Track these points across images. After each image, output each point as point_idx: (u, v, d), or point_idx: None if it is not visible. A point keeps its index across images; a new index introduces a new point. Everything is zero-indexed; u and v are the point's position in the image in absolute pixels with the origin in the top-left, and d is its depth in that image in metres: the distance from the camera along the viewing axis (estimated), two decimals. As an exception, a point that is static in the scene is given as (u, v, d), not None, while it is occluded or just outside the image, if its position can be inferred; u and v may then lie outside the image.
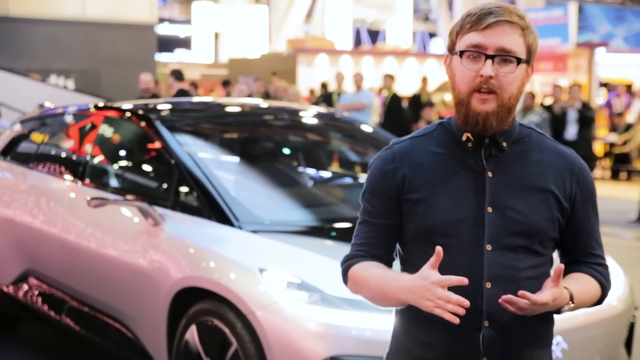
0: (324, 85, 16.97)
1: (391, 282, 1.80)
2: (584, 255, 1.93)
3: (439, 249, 1.72)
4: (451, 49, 1.85)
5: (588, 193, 1.91)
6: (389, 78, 13.37)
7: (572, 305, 1.81)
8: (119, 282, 4.14)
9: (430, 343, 1.87)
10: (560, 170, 1.87)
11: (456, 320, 1.70)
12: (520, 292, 1.73)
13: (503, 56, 1.77)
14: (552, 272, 1.88)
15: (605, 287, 1.93)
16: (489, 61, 1.77)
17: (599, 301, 1.95)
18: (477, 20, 1.78)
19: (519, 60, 1.79)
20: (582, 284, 1.87)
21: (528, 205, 1.82)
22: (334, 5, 25.43)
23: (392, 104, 12.95)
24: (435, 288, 1.70)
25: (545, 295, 1.74)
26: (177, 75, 10.42)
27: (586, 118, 11.20)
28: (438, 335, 1.85)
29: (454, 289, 1.78)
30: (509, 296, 1.73)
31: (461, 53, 1.80)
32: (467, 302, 1.70)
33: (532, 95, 12.31)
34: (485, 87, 1.77)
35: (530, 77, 1.86)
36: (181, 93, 10.12)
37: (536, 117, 11.67)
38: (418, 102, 14.54)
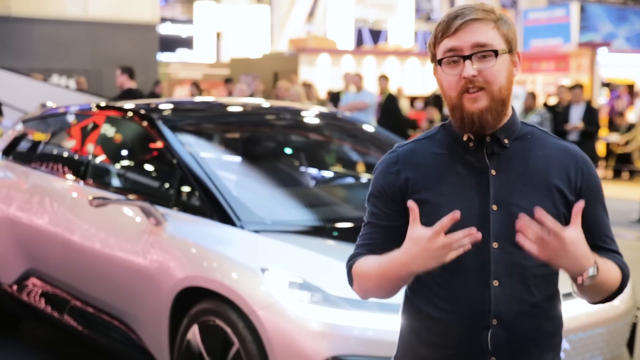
0: (330, 93, 16.97)
1: (391, 262, 1.78)
2: (595, 249, 1.86)
3: (411, 204, 1.72)
4: (433, 60, 1.88)
5: (594, 186, 1.89)
6: (384, 79, 13.37)
7: (596, 271, 1.73)
8: (121, 281, 4.14)
9: (437, 343, 1.87)
10: (565, 165, 1.87)
11: (478, 237, 1.68)
12: (538, 211, 1.66)
13: (479, 52, 1.79)
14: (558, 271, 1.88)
15: (625, 272, 1.87)
16: (468, 61, 1.78)
17: (620, 288, 1.87)
18: (446, 27, 1.81)
19: (496, 52, 1.80)
20: (603, 260, 1.81)
21: (533, 201, 1.81)
22: (336, 5, 25.41)
23: (388, 105, 12.94)
24: (435, 241, 1.68)
25: (567, 229, 1.67)
26: (130, 72, 9.99)
27: (589, 119, 11.16)
28: (445, 335, 1.85)
29: (460, 288, 1.79)
30: (524, 221, 1.66)
31: (439, 61, 1.83)
32: (474, 230, 1.67)
33: (533, 95, 12.29)
34: (473, 86, 1.79)
35: (518, 66, 1.87)
36: (128, 93, 9.54)
37: (537, 117, 11.65)
38: (439, 100, 14.49)
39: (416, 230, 1.72)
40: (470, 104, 1.79)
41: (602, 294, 1.86)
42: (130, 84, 9.93)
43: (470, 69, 1.78)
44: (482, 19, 1.80)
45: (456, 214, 1.68)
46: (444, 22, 1.82)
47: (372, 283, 1.87)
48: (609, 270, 1.82)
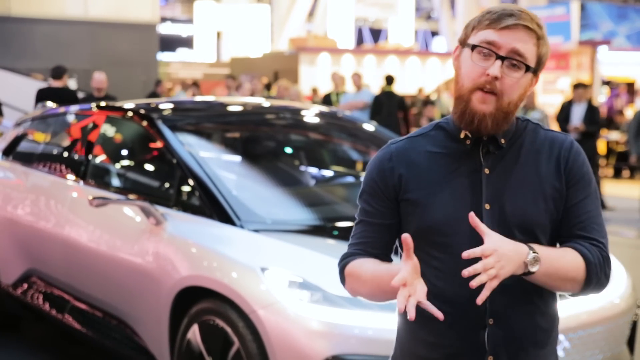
0: (314, 91, 16.94)
1: (385, 275, 1.78)
2: (571, 236, 1.83)
3: (405, 237, 1.69)
4: (463, 41, 1.84)
5: (578, 173, 1.84)
6: (357, 76, 13.26)
7: (535, 254, 1.70)
8: (121, 281, 4.14)
9: (434, 343, 1.87)
10: (554, 156, 1.85)
11: (440, 316, 1.68)
12: (464, 253, 1.65)
13: (514, 59, 1.77)
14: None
15: (589, 259, 1.78)
16: (499, 62, 1.76)
17: (588, 276, 1.79)
18: (497, 19, 1.78)
19: (527, 68, 1.78)
20: (549, 248, 1.78)
21: (526, 199, 1.80)
22: (336, 4, 25.42)
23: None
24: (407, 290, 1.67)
25: (485, 241, 1.66)
26: (55, 73, 9.96)
27: (591, 118, 11.14)
28: (442, 335, 1.85)
29: (456, 287, 1.78)
30: (466, 271, 1.64)
31: (473, 47, 1.79)
32: (440, 315, 1.68)
33: (532, 94, 12.24)
34: (489, 87, 1.77)
35: (532, 88, 1.85)
36: (44, 93, 9.45)
37: (538, 113, 11.64)
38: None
39: (405, 265, 1.69)
40: (477, 102, 1.78)
41: (567, 281, 1.79)
42: (57, 83, 9.96)
43: (497, 69, 1.75)
44: (532, 30, 1.78)
45: (440, 317, 1.68)
46: (495, 13, 1.78)
47: (366, 289, 1.87)
48: (560, 255, 1.77)
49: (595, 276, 1.81)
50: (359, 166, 5.27)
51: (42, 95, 9.37)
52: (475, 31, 1.81)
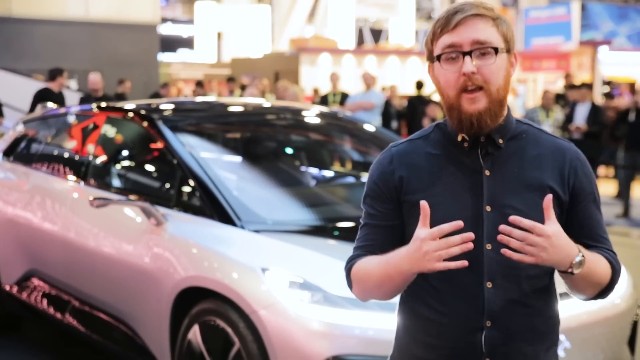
0: (316, 91, 16.92)
1: (391, 259, 1.78)
2: (586, 248, 1.85)
3: (423, 203, 1.70)
4: (430, 57, 1.85)
5: (586, 184, 1.87)
6: (334, 76, 13.29)
7: (582, 257, 1.72)
8: (122, 282, 4.14)
9: (432, 344, 1.86)
10: (559, 164, 1.85)
11: (465, 264, 1.67)
12: (511, 217, 1.66)
13: (480, 49, 1.77)
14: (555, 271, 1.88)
15: (615, 267, 1.85)
16: (467, 58, 1.77)
17: (610, 284, 1.85)
18: (446, 22, 1.79)
19: (496, 50, 1.78)
20: (590, 252, 1.80)
21: (527, 202, 1.80)
22: (337, 4, 25.41)
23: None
24: (427, 244, 1.67)
25: (547, 225, 1.67)
26: (50, 74, 10.25)
27: (594, 119, 11.13)
28: (440, 336, 1.84)
29: (454, 289, 1.78)
30: (505, 226, 1.66)
31: (438, 57, 1.81)
32: (472, 235, 1.66)
33: (548, 94, 12.11)
34: (471, 84, 1.77)
35: (515, 67, 1.86)
36: (40, 94, 9.79)
37: (561, 114, 11.58)
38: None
39: (418, 230, 1.71)
40: (468, 104, 1.78)
41: (594, 286, 1.83)
42: (51, 85, 10.13)
43: (470, 65, 1.76)
44: (483, 16, 1.79)
45: (459, 223, 1.68)
46: (443, 17, 1.80)
47: (373, 282, 1.85)
48: (597, 261, 1.81)
49: (613, 286, 1.86)
50: (360, 166, 5.27)
51: (38, 97, 9.50)
52: (434, 43, 1.83)
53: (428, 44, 1.85)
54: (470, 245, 1.67)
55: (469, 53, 1.77)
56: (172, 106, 5.15)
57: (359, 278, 1.89)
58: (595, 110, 11.19)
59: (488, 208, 1.81)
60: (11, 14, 16.66)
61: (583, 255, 1.73)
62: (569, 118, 11.31)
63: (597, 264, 1.80)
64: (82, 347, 5.01)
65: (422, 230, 1.70)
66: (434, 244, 1.67)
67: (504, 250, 1.68)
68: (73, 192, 4.77)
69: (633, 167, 10.72)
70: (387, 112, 13.08)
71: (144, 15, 18.12)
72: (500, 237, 1.67)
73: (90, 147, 4.86)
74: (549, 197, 1.71)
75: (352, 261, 1.92)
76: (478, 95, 1.78)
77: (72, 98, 11.44)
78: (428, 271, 1.70)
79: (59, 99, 9.70)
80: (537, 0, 23.55)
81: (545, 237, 1.66)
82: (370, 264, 1.85)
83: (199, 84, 16.84)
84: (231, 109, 5.37)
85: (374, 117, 11.81)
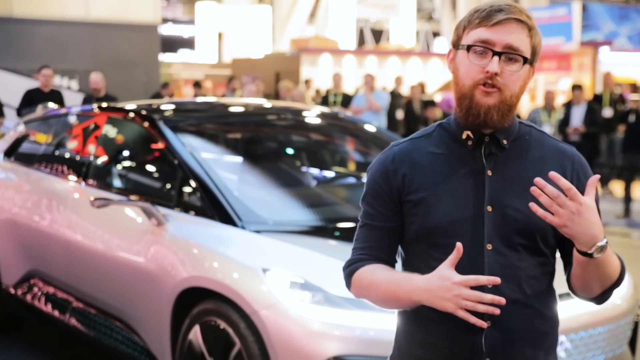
0: (317, 91, 16.93)
1: (403, 283, 1.78)
2: None
3: (459, 245, 1.69)
4: (456, 43, 1.85)
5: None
6: (307, 82, 13.36)
7: (606, 243, 1.71)
8: (123, 282, 4.14)
9: (432, 344, 1.86)
10: (560, 167, 1.85)
11: (484, 325, 1.68)
12: (551, 172, 1.66)
13: (510, 54, 1.78)
14: (554, 271, 1.88)
15: (623, 265, 1.84)
16: (496, 58, 1.77)
17: (617, 282, 1.84)
18: (486, 16, 1.78)
19: (524, 60, 1.79)
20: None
21: (527, 203, 1.80)
22: (338, 5, 25.43)
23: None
24: (459, 288, 1.66)
25: (584, 196, 1.67)
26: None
27: (591, 119, 11.12)
28: (440, 337, 1.84)
29: None
30: (540, 180, 1.66)
31: (468, 47, 1.80)
32: (503, 300, 1.66)
33: (552, 94, 12.09)
34: (490, 82, 1.78)
35: (531, 79, 1.86)
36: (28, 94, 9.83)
37: (560, 114, 11.58)
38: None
39: (447, 270, 1.70)
40: (481, 96, 1.78)
41: (604, 280, 1.81)
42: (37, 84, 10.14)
43: (496, 65, 1.76)
44: (522, 22, 1.79)
45: (496, 279, 1.68)
46: (484, 11, 1.79)
47: (377, 296, 1.86)
48: (612, 254, 1.80)
49: (619, 284, 1.85)
50: (360, 167, 5.27)
51: (26, 98, 9.59)
52: (467, 31, 1.82)
53: (459, 29, 1.84)
54: (497, 311, 1.66)
55: (499, 54, 1.77)
56: (172, 106, 5.16)
57: (363, 286, 1.88)
58: (591, 111, 11.19)
59: (489, 208, 1.81)
60: (12, 14, 16.65)
61: (607, 242, 1.73)
62: (565, 120, 11.31)
63: (612, 257, 1.79)
64: (83, 348, 5.02)
65: (453, 273, 1.68)
66: (466, 292, 1.66)
67: (531, 204, 1.67)
68: (74, 192, 4.77)
69: (632, 168, 10.72)
70: (393, 104, 13.17)
71: (144, 15, 18.11)
72: (532, 189, 1.66)
73: (91, 148, 4.87)
74: (596, 177, 1.71)
75: (354, 265, 1.91)
76: (493, 91, 1.78)
77: (74, 99, 11.44)
78: (442, 309, 1.69)
79: (51, 98, 9.65)
80: (538, 1, 23.56)
81: (577, 203, 1.65)
82: (378, 277, 1.84)
83: (197, 84, 16.84)
84: (232, 109, 5.37)
85: (379, 119, 11.84)
